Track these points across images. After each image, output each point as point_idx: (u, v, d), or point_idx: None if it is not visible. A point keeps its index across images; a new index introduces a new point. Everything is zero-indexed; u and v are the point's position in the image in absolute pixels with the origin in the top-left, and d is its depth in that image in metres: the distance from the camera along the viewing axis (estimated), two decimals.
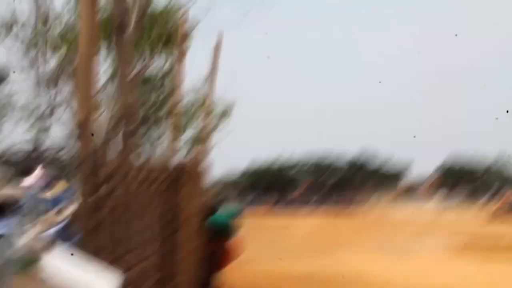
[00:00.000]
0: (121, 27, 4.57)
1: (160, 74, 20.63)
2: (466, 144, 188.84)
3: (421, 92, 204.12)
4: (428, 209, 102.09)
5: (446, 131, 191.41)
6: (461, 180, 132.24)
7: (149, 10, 13.33)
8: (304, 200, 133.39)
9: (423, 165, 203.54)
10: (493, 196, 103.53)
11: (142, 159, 5.58)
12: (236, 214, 9.03)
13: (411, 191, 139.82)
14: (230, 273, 20.66)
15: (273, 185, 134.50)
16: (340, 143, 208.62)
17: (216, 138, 24.60)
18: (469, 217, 75.68)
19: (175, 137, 6.61)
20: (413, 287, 17.86)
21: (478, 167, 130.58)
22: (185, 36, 6.75)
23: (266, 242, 37.54)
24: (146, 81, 20.46)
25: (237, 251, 9.89)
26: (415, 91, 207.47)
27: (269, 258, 26.69)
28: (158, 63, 19.81)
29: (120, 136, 5.18)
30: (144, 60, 17.73)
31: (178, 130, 7.00)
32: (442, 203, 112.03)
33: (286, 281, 19.30)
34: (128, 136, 4.95)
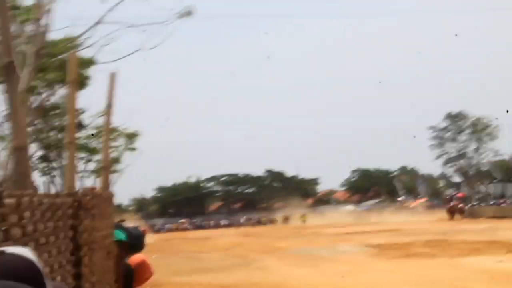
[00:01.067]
0: (9, 67, 4.73)
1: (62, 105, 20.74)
2: (370, 158, 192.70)
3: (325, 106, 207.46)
4: (344, 215, 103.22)
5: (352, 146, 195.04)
6: (369, 190, 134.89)
7: (46, 45, 13.43)
8: (221, 214, 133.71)
9: (332, 177, 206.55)
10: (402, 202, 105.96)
11: (47, 187, 5.60)
12: (135, 233, 9.05)
13: (325, 200, 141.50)
14: (159, 287, 20.86)
15: (189, 202, 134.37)
16: (247, 164, 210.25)
17: (124, 165, 24.90)
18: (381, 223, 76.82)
19: (73, 165, 6.66)
20: (337, 287, 18.27)
21: (384, 178, 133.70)
22: (75, 69, 6.86)
23: (189, 255, 37.65)
24: (51, 111, 20.56)
25: (146, 271, 9.95)
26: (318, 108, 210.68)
27: (194, 270, 26.89)
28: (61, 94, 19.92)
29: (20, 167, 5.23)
30: (44, 93, 17.77)
31: (75, 158, 7.08)
32: (355, 209, 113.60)
33: None
34: (25, 167, 5.04)
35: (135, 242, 8.83)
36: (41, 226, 4.63)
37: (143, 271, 9.67)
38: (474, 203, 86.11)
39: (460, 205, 76.20)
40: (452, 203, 78.05)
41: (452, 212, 72.76)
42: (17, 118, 4.75)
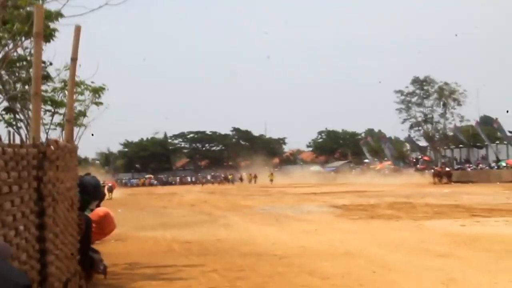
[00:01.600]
0: None
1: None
2: (337, 120, 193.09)
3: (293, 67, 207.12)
4: (310, 175, 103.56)
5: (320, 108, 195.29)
6: (335, 151, 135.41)
7: None
8: (187, 171, 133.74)
9: (299, 138, 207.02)
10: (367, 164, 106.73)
11: (12, 138, 5.47)
12: (91, 184, 9.01)
13: (291, 159, 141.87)
14: (124, 241, 20.79)
15: (155, 158, 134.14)
16: (215, 123, 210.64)
17: (90, 119, 24.69)
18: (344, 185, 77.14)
19: (38, 116, 6.57)
20: (303, 245, 18.32)
21: (350, 140, 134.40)
22: (41, 21, 6.74)
23: (155, 210, 37.61)
24: (16, 62, 20.29)
25: (109, 224, 9.92)
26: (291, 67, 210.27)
27: (159, 225, 26.89)
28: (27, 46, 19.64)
29: None
30: (9, 44, 17.48)
31: (40, 108, 6.99)
32: (321, 170, 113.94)
33: (179, 246, 19.48)
34: None
35: (87, 197, 8.80)
36: (4, 175, 4.57)
37: (106, 223, 9.64)
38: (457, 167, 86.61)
39: (447, 169, 76.58)
40: (438, 167, 78.63)
41: (439, 175, 72.85)
42: None
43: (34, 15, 6.93)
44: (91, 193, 8.89)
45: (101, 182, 45.48)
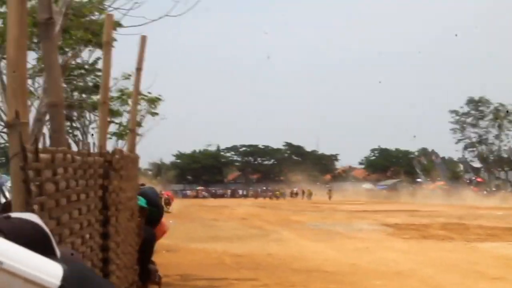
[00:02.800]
0: (47, 23, 4.69)
1: (92, 63, 20.84)
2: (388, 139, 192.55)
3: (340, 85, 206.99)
4: (362, 192, 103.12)
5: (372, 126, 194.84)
6: (388, 169, 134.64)
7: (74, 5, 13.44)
8: (238, 184, 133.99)
9: (351, 155, 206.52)
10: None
11: (78, 145, 5.55)
12: (156, 197, 9.06)
13: (343, 176, 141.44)
14: (176, 252, 20.93)
15: (207, 170, 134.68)
16: (267, 138, 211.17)
17: (145, 129, 25.02)
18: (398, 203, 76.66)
19: (105, 125, 6.64)
20: (354, 262, 18.28)
21: (403, 158, 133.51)
22: (110, 30, 6.85)
23: (206, 222, 37.77)
24: (75, 70, 20.64)
25: (161, 227, 9.97)
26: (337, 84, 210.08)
27: (210, 238, 27.01)
28: (90, 53, 20.02)
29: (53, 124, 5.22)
30: (73, 50, 17.78)
31: (107, 117, 7.08)
32: (373, 188, 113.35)
33: (230, 259, 19.55)
34: (59, 124, 5.02)
35: (156, 210, 8.88)
36: (73, 183, 4.65)
37: (159, 227, 9.72)
38: None
39: None
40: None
41: None
42: (54, 74, 4.74)
43: (105, 24, 7.05)
44: (159, 205, 8.96)
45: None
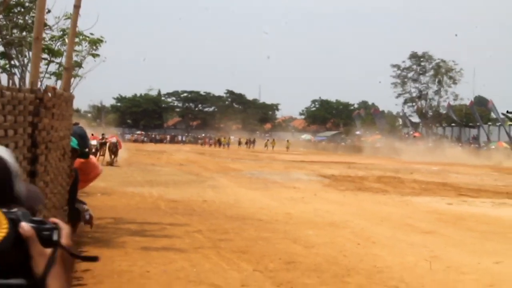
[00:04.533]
0: None
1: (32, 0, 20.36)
2: (332, 90, 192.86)
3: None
4: (301, 143, 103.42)
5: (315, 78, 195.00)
6: (327, 121, 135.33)
7: None
8: (179, 130, 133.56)
9: (292, 105, 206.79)
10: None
11: (8, 82, 5.39)
12: (83, 136, 8.88)
13: (283, 126, 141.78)
14: (111, 195, 20.80)
15: (147, 115, 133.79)
16: (208, 85, 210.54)
17: (85, 70, 24.57)
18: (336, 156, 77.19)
19: (38, 61, 6.46)
20: (289, 212, 18.36)
21: (343, 111, 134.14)
22: None
23: (143, 167, 37.60)
24: (15, 7, 20.17)
25: (92, 169, 9.81)
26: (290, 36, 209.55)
27: (146, 182, 26.92)
28: None
29: None
30: None
31: (40, 54, 6.88)
32: (312, 139, 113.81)
33: (165, 204, 19.50)
34: None
35: (84, 150, 8.74)
36: (0, 118, 4.53)
37: (89, 168, 9.53)
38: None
39: None
40: None
41: None
42: None
43: None
44: (86, 153, 8.79)
45: (100, 137, 43.49)
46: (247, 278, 10.12)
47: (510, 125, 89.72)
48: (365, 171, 39.76)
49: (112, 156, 39.79)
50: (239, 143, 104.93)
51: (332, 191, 26.61)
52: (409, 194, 25.62)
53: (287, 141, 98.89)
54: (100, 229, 13.44)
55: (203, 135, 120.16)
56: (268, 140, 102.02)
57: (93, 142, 36.43)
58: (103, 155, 41.72)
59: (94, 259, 1.96)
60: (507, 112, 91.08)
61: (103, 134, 45.50)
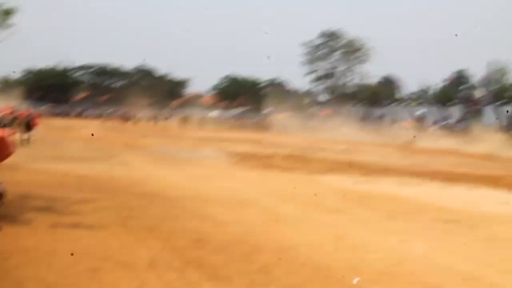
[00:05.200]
0: None
1: None
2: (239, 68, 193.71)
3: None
4: (210, 118, 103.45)
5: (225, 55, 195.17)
6: (236, 98, 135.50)
7: None
8: (86, 105, 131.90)
9: (202, 82, 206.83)
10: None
11: None
12: None
13: (191, 103, 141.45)
14: (15, 171, 20.43)
15: (54, 89, 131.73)
16: (118, 58, 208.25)
17: None
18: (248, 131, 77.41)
19: None
20: (197, 189, 18.38)
21: (253, 88, 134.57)
22: None
23: (50, 142, 37.00)
24: None
25: (4, 148, 9.61)
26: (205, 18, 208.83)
27: (53, 158, 26.53)
28: None
29: None
30: None
31: None
32: (221, 116, 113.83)
33: (72, 180, 19.27)
34: None
35: None
36: None
37: (1, 147, 9.32)
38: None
39: None
40: None
41: None
42: None
43: None
44: None
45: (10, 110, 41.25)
46: (155, 255, 10.10)
47: (415, 105, 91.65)
48: (274, 149, 39.96)
49: (25, 136, 35.12)
50: (149, 119, 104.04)
51: (240, 168, 26.68)
52: (316, 172, 25.84)
53: (186, 117, 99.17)
54: (5, 206, 13.19)
55: (110, 110, 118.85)
56: (183, 116, 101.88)
57: None
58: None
59: None
60: (413, 93, 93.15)
61: (13, 107, 41.31)
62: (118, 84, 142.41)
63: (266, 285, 8.80)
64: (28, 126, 35.83)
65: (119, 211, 13.90)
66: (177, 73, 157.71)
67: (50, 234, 11.21)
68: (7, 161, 12.08)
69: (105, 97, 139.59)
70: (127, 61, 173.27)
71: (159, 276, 8.96)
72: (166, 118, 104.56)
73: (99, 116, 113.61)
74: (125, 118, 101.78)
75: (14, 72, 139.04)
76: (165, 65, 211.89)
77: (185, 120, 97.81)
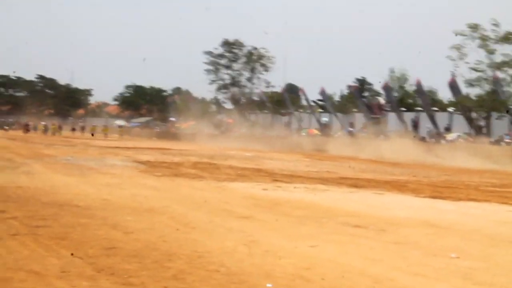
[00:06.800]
0: None
1: None
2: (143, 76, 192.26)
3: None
4: (115, 127, 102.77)
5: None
6: (141, 107, 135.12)
7: None
8: None
9: (105, 91, 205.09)
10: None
11: None
12: None
13: (96, 112, 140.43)
14: None
15: None
16: (19, 69, 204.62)
17: None
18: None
19: None
20: (106, 198, 18.23)
21: (157, 96, 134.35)
22: None
23: None
24: None
25: None
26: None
27: None
28: None
29: None
30: None
31: None
32: (126, 125, 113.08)
33: None
34: None
35: None
36: None
37: None
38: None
39: None
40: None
41: None
42: None
43: None
44: None
45: None
46: (66, 264, 9.98)
47: (320, 112, 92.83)
48: (181, 157, 39.99)
49: None
50: (46, 129, 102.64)
51: (148, 176, 26.59)
52: (225, 180, 25.95)
53: (93, 127, 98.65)
54: None
55: (12, 120, 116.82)
56: (94, 126, 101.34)
57: None
58: None
59: None
60: (317, 100, 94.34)
61: None
62: (21, 93, 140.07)
63: None
64: None
65: (28, 220, 13.69)
66: (80, 83, 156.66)
67: None
68: None
69: (7, 106, 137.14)
70: (27, 72, 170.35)
71: (72, 285, 8.86)
72: (74, 128, 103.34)
73: (1, 126, 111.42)
74: (28, 127, 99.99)
75: None
76: (68, 74, 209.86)
77: (91, 129, 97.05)
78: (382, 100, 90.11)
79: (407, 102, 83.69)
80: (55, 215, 14.53)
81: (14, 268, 9.52)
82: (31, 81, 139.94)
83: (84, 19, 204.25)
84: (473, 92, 69.27)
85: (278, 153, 52.10)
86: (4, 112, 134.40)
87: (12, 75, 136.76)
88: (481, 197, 22.39)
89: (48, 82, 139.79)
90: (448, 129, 70.26)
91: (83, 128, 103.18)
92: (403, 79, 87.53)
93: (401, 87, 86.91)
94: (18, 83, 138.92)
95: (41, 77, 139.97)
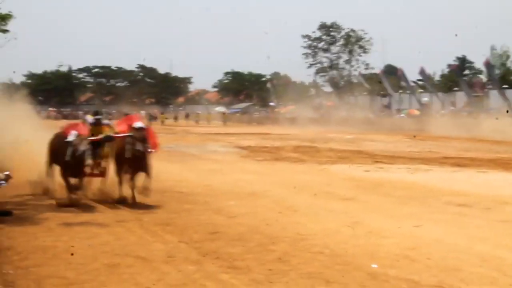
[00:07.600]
0: None
1: None
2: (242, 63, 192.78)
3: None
4: (216, 114, 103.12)
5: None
6: (241, 93, 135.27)
7: None
8: (91, 105, 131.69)
9: (205, 78, 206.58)
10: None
11: None
12: None
13: (196, 99, 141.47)
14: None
15: (59, 92, 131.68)
16: (121, 60, 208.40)
17: None
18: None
19: None
20: (209, 184, 18.37)
21: (256, 82, 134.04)
22: None
23: None
24: None
25: None
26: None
27: None
28: None
29: None
30: None
31: None
32: (226, 111, 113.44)
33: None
34: None
35: None
36: None
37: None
38: None
39: None
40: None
41: None
42: None
43: None
44: None
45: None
46: (172, 249, 10.13)
47: (420, 92, 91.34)
48: (281, 141, 40.00)
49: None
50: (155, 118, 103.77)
51: (250, 161, 26.73)
52: (326, 163, 25.86)
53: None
54: (21, 206, 13.27)
55: (114, 110, 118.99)
56: (198, 113, 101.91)
57: None
58: None
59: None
60: (417, 80, 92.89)
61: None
62: (122, 83, 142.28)
63: (285, 274, 8.79)
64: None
65: (133, 207, 13.98)
66: (179, 71, 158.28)
67: (67, 232, 11.29)
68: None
69: (110, 97, 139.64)
70: (127, 62, 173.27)
71: (178, 269, 8.98)
72: (176, 117, 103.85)
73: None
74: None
75: (14, 72, 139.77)
76: (167, 63, 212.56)
77: (195, 116, 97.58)
78: (483, 78, 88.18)
79: (510, 79, 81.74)
80: (159, 202, 14.75)
81: (121, 254, 9.70)
82: (131, 71, 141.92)
83: (180, 11, 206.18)
84: None
85: (378, 134, 51.56)
86: (106, 103, 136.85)
87: (112, 66, 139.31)
88: None
89: (148, 72, 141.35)
90: None
91: (187, 116, 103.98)
92: (505, 56, 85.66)
93: (503, 64, 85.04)
94: (119, 73, 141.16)
95: (141, 67, 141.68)
